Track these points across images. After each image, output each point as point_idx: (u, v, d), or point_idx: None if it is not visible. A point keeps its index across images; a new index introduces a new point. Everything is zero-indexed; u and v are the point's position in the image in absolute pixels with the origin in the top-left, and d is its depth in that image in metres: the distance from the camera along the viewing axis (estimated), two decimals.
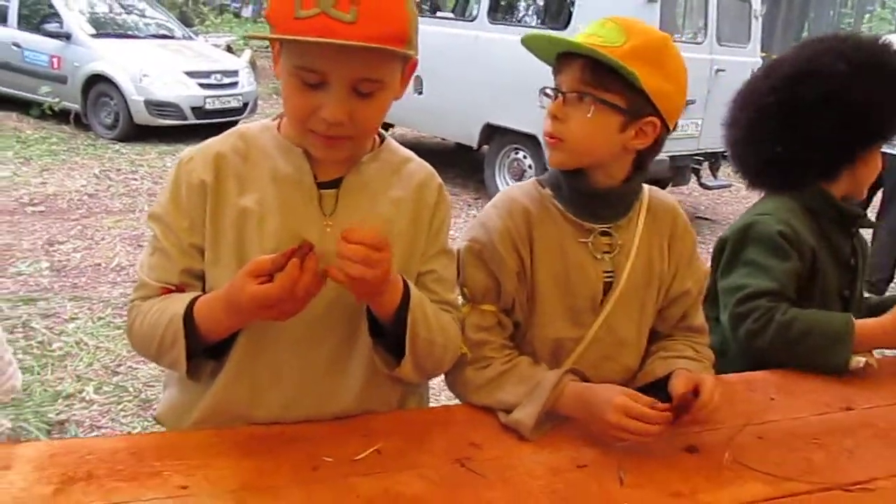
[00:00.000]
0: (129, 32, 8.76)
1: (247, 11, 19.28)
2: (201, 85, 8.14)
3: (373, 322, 1.14)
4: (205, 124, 8.10)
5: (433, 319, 1.15)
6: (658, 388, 1.25)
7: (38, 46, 8.09)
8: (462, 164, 7.59)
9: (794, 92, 1.58)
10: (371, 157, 1.19)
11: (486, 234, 1.29)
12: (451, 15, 7.10)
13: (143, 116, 7.68)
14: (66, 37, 8.04)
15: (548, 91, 1.27)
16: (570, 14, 5.74)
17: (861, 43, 1.59)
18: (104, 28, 8.54)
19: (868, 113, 1.54)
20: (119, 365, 3.28)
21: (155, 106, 7.74)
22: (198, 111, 8.06)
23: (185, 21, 17.30)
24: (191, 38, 9.66)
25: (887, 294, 4.83)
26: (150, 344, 1.13)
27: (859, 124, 1.55)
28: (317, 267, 1.00)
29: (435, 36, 6.76)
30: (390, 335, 1.13)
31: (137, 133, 7.76)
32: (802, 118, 1.56)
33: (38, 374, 3.17)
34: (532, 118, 5.17)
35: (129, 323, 1.16)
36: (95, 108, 7.94)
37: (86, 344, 3.45)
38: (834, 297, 1.64)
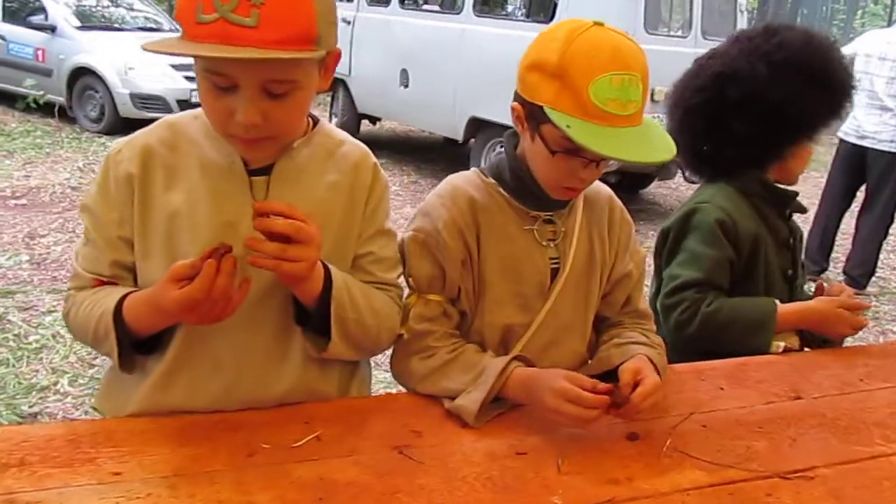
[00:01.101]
0: (116, 25, 8.71)
1: None
2: (187, 77, 8.07)
3: (299, 307, 1.14)
4: None
5: (362, 301, 1.16)
6: (615, 377, 1.25)
7: (23, 39, 8.04)
8: (449, 158, 7.59)
9: (718, 93, 1.63)
10: (303, 141, 1.19)
11: (431, 222, 1.28)
12: (438, 8, 7.08)
13: (128, 109, 7.64)
14: (52, 29, 7.99)
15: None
16: (555, 7, 5.73)
17: (784, 42, 1.62)
18: (90, 20, 8.49)
19: (787, 113, 1.59)
20: (95, 357, 3.26)
21: (140, 99, 7.70)
22: (183, 104, 7.97)
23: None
24: (178, 30, 9.60)
25: (869, 289, 4.86)
26: (86, 335, 1.14)
27: (780, 123, 1.61)
28: (233, 268, 1.00)
29: (421, 28, 6.77)
30: (315, 318, 1.13)
31: (123, 126, 7.67)
32: (727, 117, 1.62)
33: (14, 366, 3.15)
34: None
35: (65, 312, 1.17)
36: (81, 101, 7.90)
37: (62, 336, 3.43)
38: (778, 277, 1.69)
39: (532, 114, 1.19)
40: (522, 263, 1.30)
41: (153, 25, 9.17)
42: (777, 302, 1.61)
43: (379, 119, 8.29)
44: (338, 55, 1.11)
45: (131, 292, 1.10)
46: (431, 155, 7.96)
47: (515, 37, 5.92)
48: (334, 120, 7.72)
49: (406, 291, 1.31)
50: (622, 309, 1.42)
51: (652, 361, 1.27)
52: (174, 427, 1.12)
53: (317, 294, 1.11)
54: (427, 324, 1.28)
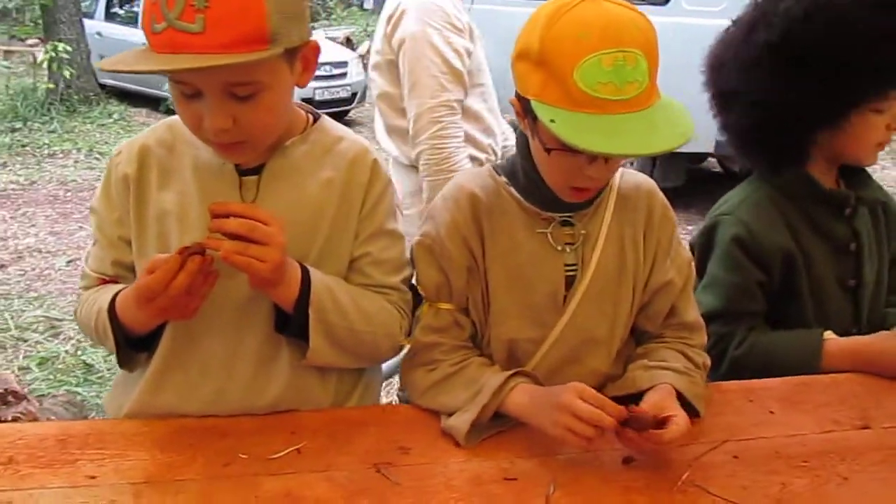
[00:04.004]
0: None
1: (368, 3, 19.71)
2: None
3: (281, 313, 1.11)
4: None
5: (349, 305, 1.11)
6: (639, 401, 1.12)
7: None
8: None
9: (743, 44, 1.38)
10: (299, 139, 1.15)
11: (435, 227, 1.20)
12: None
13: None
14: None
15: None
16: None
17: None
18: None
19: (840, 55, 1.29)
20: None
21: None
22: (308, 102, 8.29)
23: (311, 15, 17.87)
24: None
25: None
26: (91, 333, 1.16)
27: (828, 74, 1.30)
28: (197, 269, 0.98)
29: (509, 17, 6.57)
30: (294, 324, 1.09)
31: None
32: (753, 78, 1.36)
33: None
34: None
35: (75, 310, 1.20)
36: None
37: None
38: (833, 288, 1.42)
39: (526, 109, 1.07)
40: (531, 271, 1.18)
41: None
42: (827, 335, 1.36)
43: None
44: (315, 47, 1.07)
45: (124, 288, 1.11)
46: None
47: None
48: None
49: (409, 296, 1.24)
50: (666, 321, 1.26)
51: (680, 393, 1.13)
52: (163, 431, 1.11)
53: (293, 298, 1.07)
54: (435, 335, 1.20)
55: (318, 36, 10.34)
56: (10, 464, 1.03)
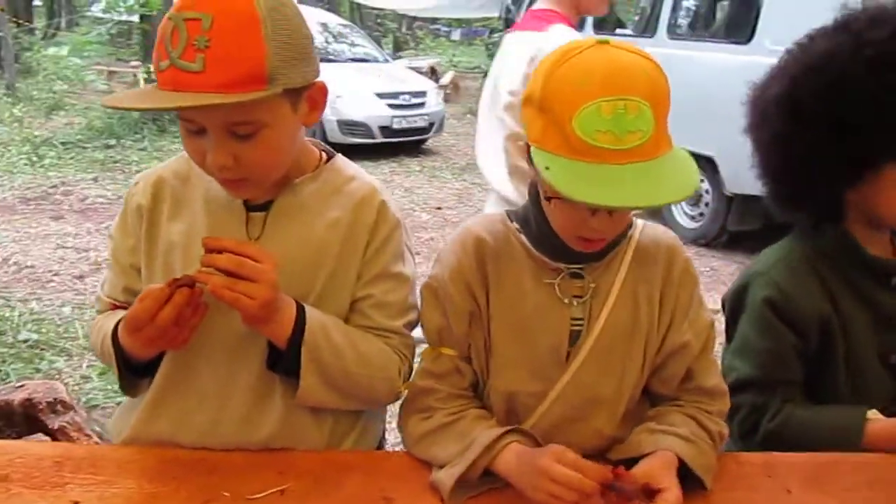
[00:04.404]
0: (330, 57, 9.43)
1: (456, 35, 20.04)
2: (390, 105, 8.56)
3: (275, 350, 1.10)
4: (392, 143, 8.52)
5: (345, 346, 1.10)
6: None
7: None
8: None
9: (761, 96, 1.32)
10: (310, 177, 1.16)
11: (442, 270, 1.18)
12: (631, 32, 6.81)
13: (335, 135, 8.23)
14: None
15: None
16: (755, 25, 5.24)
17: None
18: None
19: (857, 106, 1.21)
20: None
21: (346, 125, 8.28)
22: (385, 130, 8.48)
23: (398, 46, 18.35)
24: (387, 61, 10.21)
25: None
26: (99, 356, 1.19)
27: (847, 127, 1.23)
28: (184, 301, 1.00)
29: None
30: (285, 361, 1.09)
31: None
32: (772, 129, 1.30)
33: None
34: (710, 138, 4.78)
35: (89, 332, 1.23)
36: None
37: None
38: (873, 362, 1.29)
39: (531, 154, 1.04)
40: (535, 322, 1.14)
41: (363, 56, 9.81)
42: (871, 414, 1.25)
43: None
44: (322, 88, 1.08)
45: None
46: None
47: (711, 59, 5.54)
48: None
49: (411, 341, 1.22)
50: (682, 385, 1.19)
51: (683, 462, 1.06)
52: (155, 460, 1.13)
53: (286, 336, 1.07)
54: (432, 381, 1.18)
55: (399, 65, 10.61)
56: (4, 482, 1.06)
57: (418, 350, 1.23)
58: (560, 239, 1.12)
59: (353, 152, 9.17)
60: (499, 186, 2.12)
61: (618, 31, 7.00)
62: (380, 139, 8.47)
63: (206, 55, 0.93)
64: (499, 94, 2.07)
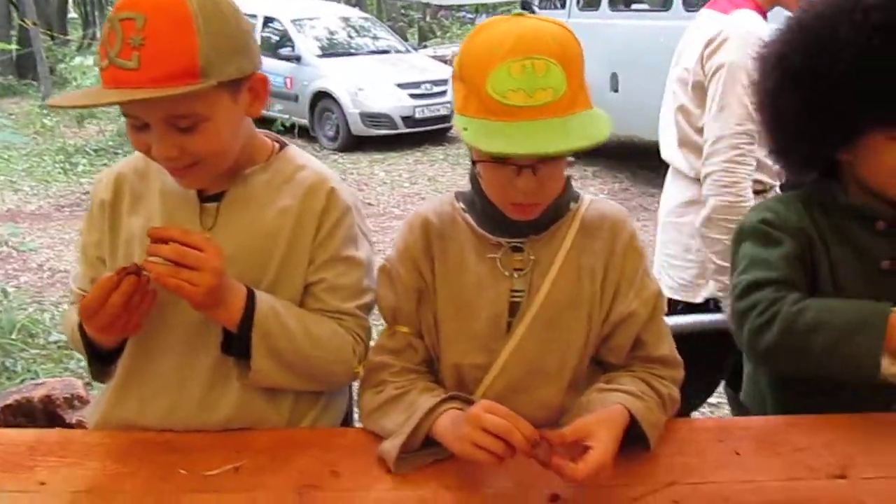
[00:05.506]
0: (352, 50, 9.51)
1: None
2: (412, 95, 8.59)
3: (228, 334, 1.15)
4: (414, 133, 8.56)
5: (297, 329, 1.14)
6: None
7: (275, 69, 9.08)
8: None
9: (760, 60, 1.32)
10: (261, 168, 1.20)
11: (394, 251, 1.22)
12: (647, 6, 6.72)
13: (358, 127, 8.31)
14: (297, 59, 8.97)
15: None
16: None
17: None
18: (329, 48, 9.37)
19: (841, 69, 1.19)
20: None
21: (369, 117, 8.33)
22: (408, 120, 8.51)
23: (423, 35, 18.32)
24: (408, 51, 10.24)
25: None
26: (73, 345, 1.26)
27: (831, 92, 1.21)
28: (131, 289, 1.05)
29: (630, 30, 6.46)
30: (237, 345, 1.13)
31: (355, 143, 8.41)
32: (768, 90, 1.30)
33: None
34: None
35: (61, 323, 1.30)
36: (321, 122, 8.74)
37: None
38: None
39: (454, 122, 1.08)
40: (476, 295, 1.16)
41: (384, 48, 9.84)
42: (889, 307, 1.14)
43: None
44: (262, 79, 1.12)
45: None
46: (648, 161, 7.55)
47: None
48: None
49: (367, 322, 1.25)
50: (633, 354, 1.20)
51: (634, 417, 1.07)
52: (122, 442, 1.18)
53: (236, 320, 1.11)
54: (387, 356, 1.21)
55: (420, 55, 10.62)
56: None
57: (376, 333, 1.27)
58: (501, 213, 1.14)
59: (378, 143, 9.17)
60: (670, 158, 2.14)
61: (633, 6, 6.90)
62: (403, 129, 8.50)
63: (141, 53, 0.98)
64: (678, 67, 2.09)
